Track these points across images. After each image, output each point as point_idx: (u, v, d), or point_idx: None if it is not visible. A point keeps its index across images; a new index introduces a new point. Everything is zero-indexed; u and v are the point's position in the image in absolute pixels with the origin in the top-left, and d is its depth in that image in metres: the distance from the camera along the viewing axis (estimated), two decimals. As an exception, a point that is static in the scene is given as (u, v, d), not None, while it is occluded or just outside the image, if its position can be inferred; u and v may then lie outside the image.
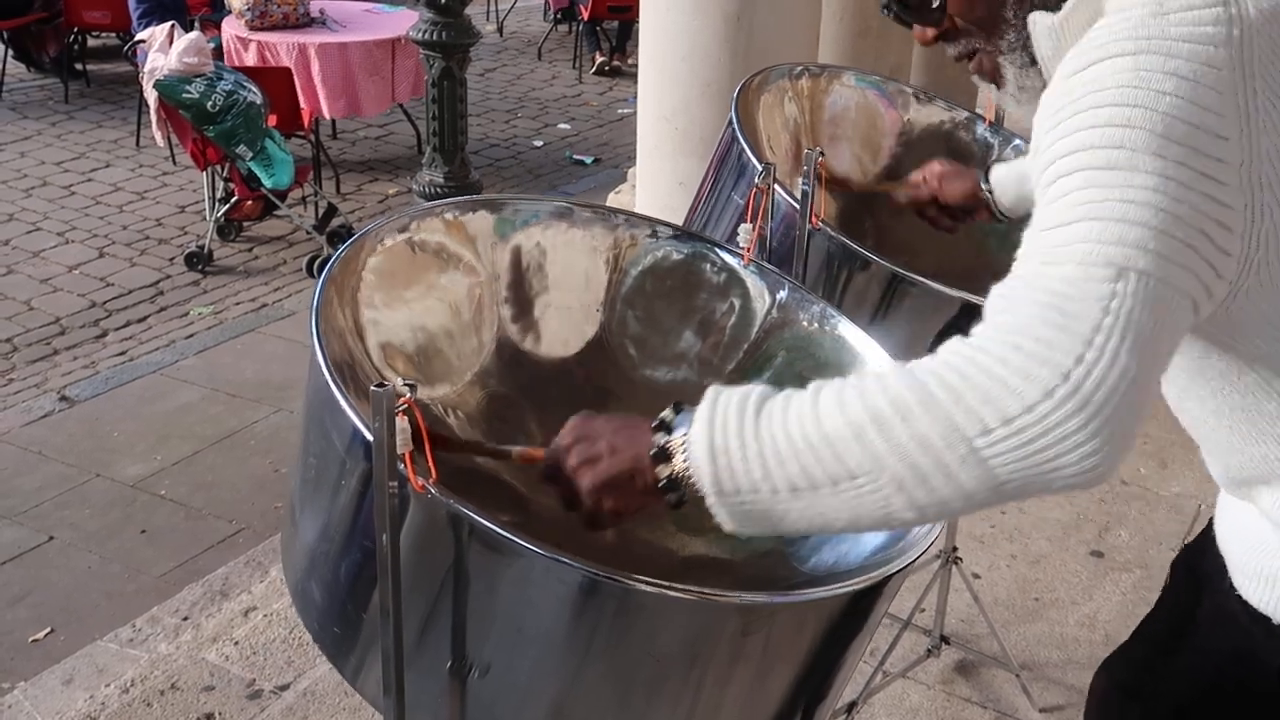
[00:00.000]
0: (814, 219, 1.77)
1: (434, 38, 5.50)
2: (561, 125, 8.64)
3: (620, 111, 9.02)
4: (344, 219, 6.51)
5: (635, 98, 9.30)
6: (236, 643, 3.04)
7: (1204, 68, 1.07)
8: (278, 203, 6.16)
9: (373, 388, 1.06)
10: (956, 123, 2.33)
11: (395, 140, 8.09)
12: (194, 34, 6.00)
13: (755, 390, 1.09)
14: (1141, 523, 3.54)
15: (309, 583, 1.30)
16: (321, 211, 6.42)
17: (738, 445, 1.06)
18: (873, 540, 1.37)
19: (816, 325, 1.63)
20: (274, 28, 7.00)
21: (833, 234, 1.81)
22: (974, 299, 1.86)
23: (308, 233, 6.33)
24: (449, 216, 1.54)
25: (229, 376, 5.12)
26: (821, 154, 1.76)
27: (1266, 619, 1.30)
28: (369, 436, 1.11)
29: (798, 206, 1.78)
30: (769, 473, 1.05)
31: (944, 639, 2.90)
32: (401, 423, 1.07)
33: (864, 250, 1.82)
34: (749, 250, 1.66)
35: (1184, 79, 1.06)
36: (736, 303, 1.66)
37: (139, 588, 3.74)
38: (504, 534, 1.12)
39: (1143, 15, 1.10)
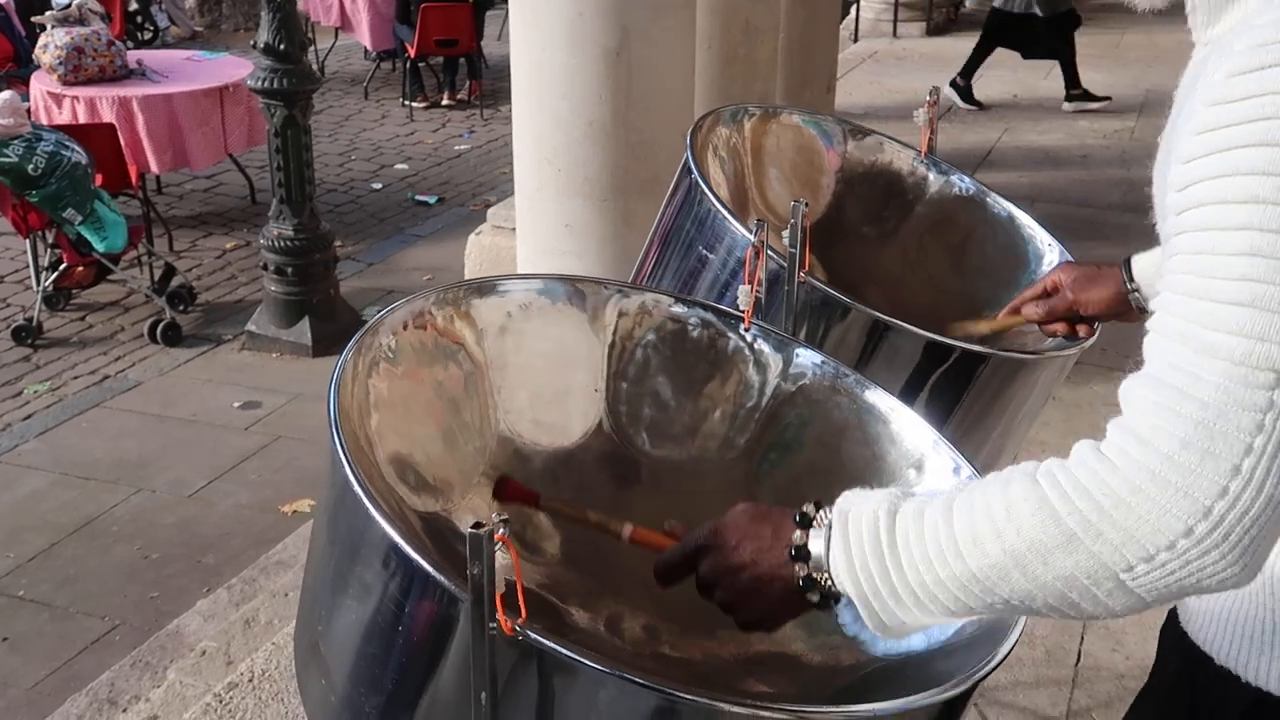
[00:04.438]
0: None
1: (274, 85, 5.27)
2: (399, 165, 8.42)
3: (457, 148, 8.85)
4: (184, 278, 6.17)
5: (471, 133, 9.19)
6: (147, 762, 2.79)
7: None
8: (111, 267, 5.80)
9: (469, 529, 0.94)
10: (892, 157, 2.29)
11: (226, 191, 7.74)
12: (7, 93, 5.60)
13: (882, 512, 1.06)
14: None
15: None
16: (158, 273, 6.07)
17: (886, 589, 1.04)
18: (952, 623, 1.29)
19: (829, 386, 1.55)
20: (90, 81, 6.60)
21: (816, 285, 1.73)
22: (961, 344, 1.81)
23: (146, 296, 5.98)
24: (435, 307, 1.41)
25: (77, 458, 4.78)
26: (806, 205, 1.68)
27: (1209, 660, 1.25)
28: (448, 585, 0.98)
29: (783, 263, 1.69)
30: (924, 608, 1.04)
31: (894, 675, 2.85)
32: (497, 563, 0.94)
33: (849, 300, 1.74)
34: (749, 313, 1.57)
35: None
36: (742, 370, 1.57)
37: (9, 704, 3.42)
38: (604, 669, 1.00)
39: None
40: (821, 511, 1.11)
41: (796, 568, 1.10)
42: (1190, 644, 1.28)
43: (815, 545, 1.09)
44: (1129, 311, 1.72)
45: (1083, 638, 3.09)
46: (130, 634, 3.67)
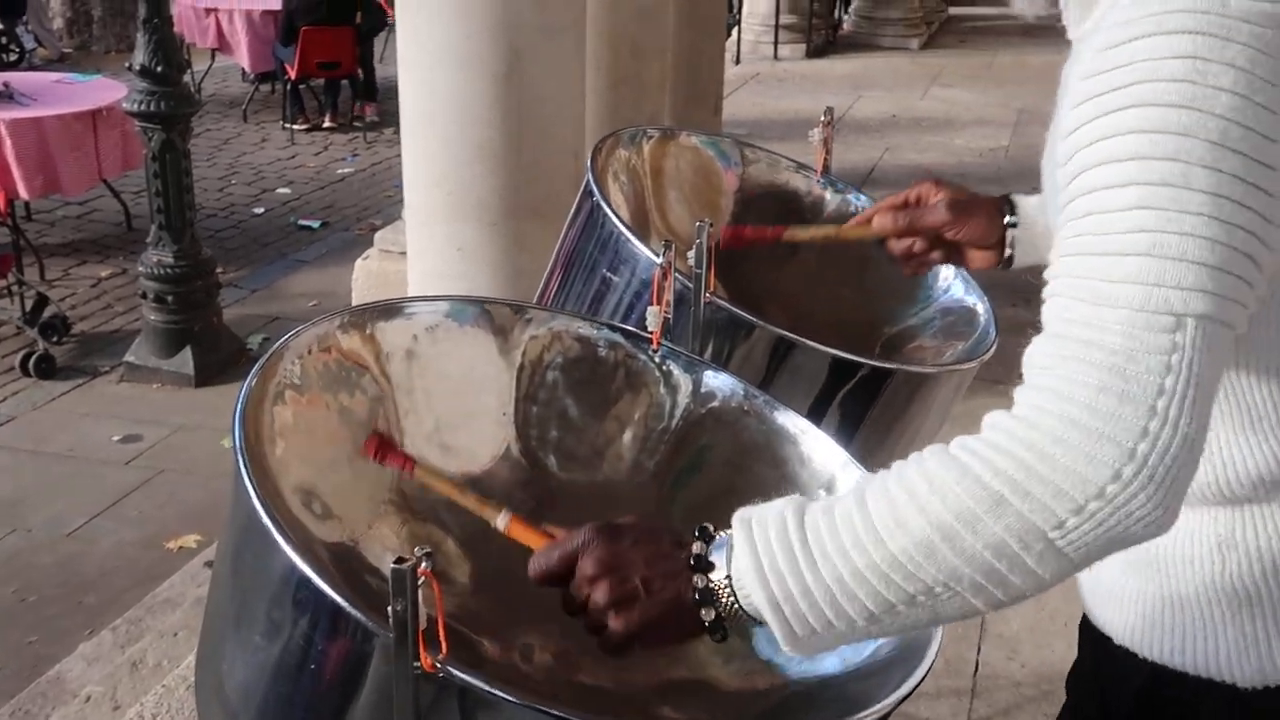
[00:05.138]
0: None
1: (151, 108, 5.14)
2: (280, 190, 8.26)
3: (340, 171, 8.72)
4: (57, 308, 5.96)
5: (354, 156, 9.07)
6: (29, 815, 2.66)
7: (1260, 55, 0.95)
8: (-21, 297, 5.58)
9: (392, 565, 0.91)
10: (789, 177, 2.30)
11: (100, 218, 7.51)
12: None
13: (789, 512, 1.01)
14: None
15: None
16: (30, 303, 5.84)
17: (800, 589, 0.98)
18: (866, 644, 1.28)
19: (738, 408, 1.55)
20: (-47, 105, 6.35)
21: (721, 304, 1.73)
22: (867, 361, 1.82)
23: (17, 327, 5.76)
24: (340, 331, 1.37)
25: (-53, 498, 4.57)
26: (711, 225, 1.67)
27: (1108, 640, 1.28)
28: (365, 621, 0.95)
29: (687, 283, 1.68)
30: (841, 610, 0.97)
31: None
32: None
33: (754, 318, 1.75)
34: (657, 335, 1.55)
35: (1241, 71, 0.95)
36: (652, 392, 1.56)
37: (-123, 760, 3.24)
38: (526, 704, 0.98)
39: None
40: (718, 547, 1.05)
41: (695, 578, 1.03)
42: (1092, 626, 1.31)
43: (717, 555, 1.03)
44: (996, 249, 1.62)
45: (980, 647, 3.14)
46: (7, 681, 3.51)
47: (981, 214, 1.63)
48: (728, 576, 1.01)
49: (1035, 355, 0.99)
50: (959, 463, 0.95)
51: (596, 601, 1.05)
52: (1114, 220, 0.96)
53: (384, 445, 1.32)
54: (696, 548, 1.04)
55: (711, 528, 1.06)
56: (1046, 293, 1.02)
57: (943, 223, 1.62)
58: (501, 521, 1.22)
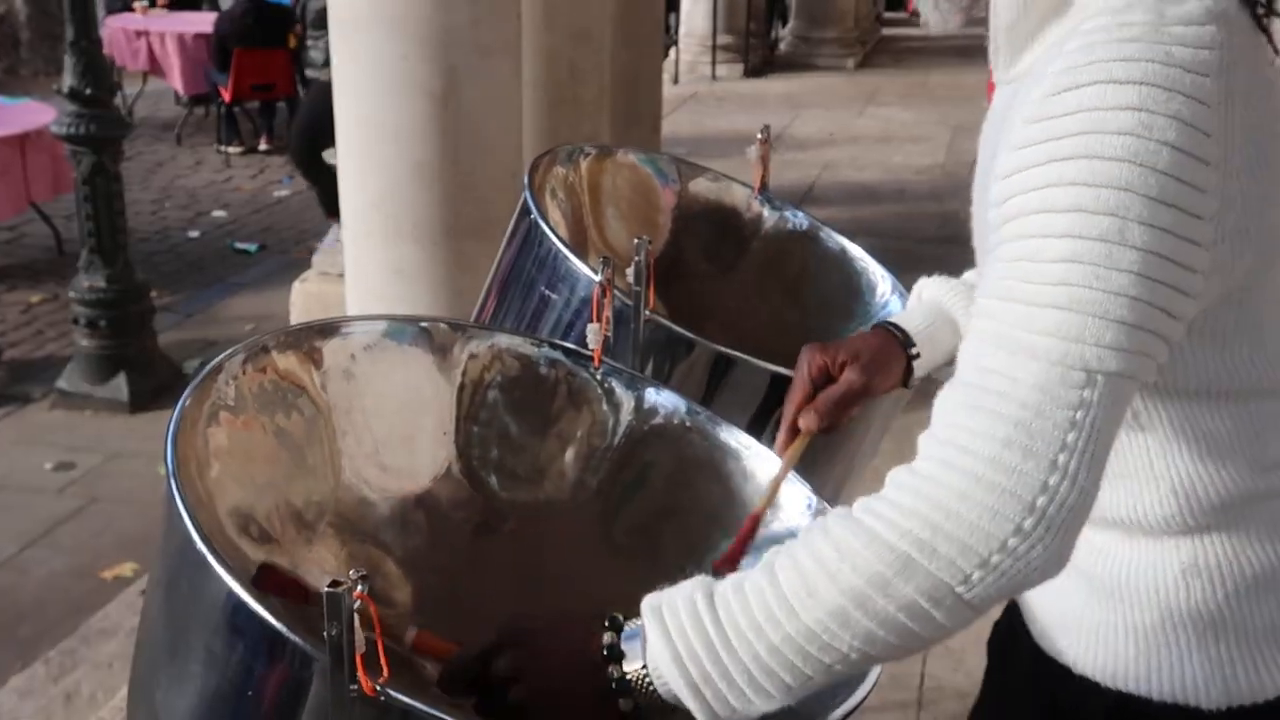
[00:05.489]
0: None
1: (81, 131, 5.06)
2: (216, 213, 8.16)
3: (277, 194, 8.64)
4: (-14, 335, 5.86)
5: (290, 179, 9.01)
6: None
7: (1200, 107, 0.95)
8: (-95, 325, 5.45)
9: (326, 589, 0.89)
10: (727, 194, 2.31)
11: (30, 243, 7.38)
12: None
13: (698, 594, 1.01)
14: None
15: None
16: (-42, 330, 5.74)
17: (718, 671, 0.98)
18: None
19: (681, 424, 1.55)
20: (-124, 129, 6.22)
21: (661, 322, 1.73)
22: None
23: (-55, 355, 5.64)
24: (277, 350, 1.35)
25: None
26: (650, 241, 1.67)
27: (1066, 671, 1.27)
28: (303, 645, 0.93)
29: (627, 300, 1.68)
30: (759, 686, 0.98)
31: None
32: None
33: (694, 336, 1.75)
34: (598, 352, 1.55)
35: (1183, 124, 0.95)
36: (594, 410, 1.55)
37: None
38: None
39: (1143, 26, 0.97)
40: (630, 639, 1.04)
41: (610, 669, 1.02)
42: (1047, 658, 1.30)
43: (629, 645, 1.03)
44: (903, 377, 1.53)
45: (925, 660, 3.16)
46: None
47: (887, 360, 1.51)
48: (643, 666, 1.01)
49: (945, 402, 1.01)
50: (864, 526, 0.97)
51: (513, 701, 1.04)
52: (1043, 270, 0.96)
53: (275, 579, 1.25)
54: (607, 639, 1.03)
55: (621, 617, 1.05)
56: (966, 330, 1.05)
57: (864, 388, 1.47)
58: (409, 637, 1.19)
